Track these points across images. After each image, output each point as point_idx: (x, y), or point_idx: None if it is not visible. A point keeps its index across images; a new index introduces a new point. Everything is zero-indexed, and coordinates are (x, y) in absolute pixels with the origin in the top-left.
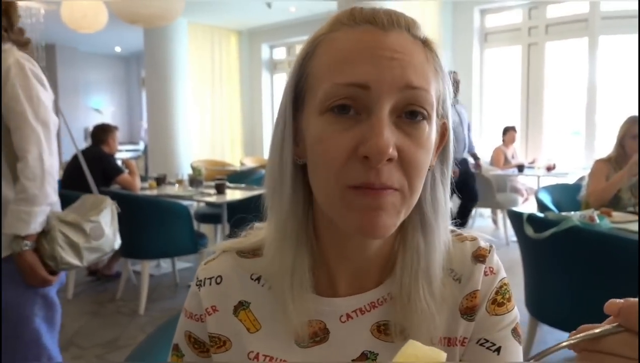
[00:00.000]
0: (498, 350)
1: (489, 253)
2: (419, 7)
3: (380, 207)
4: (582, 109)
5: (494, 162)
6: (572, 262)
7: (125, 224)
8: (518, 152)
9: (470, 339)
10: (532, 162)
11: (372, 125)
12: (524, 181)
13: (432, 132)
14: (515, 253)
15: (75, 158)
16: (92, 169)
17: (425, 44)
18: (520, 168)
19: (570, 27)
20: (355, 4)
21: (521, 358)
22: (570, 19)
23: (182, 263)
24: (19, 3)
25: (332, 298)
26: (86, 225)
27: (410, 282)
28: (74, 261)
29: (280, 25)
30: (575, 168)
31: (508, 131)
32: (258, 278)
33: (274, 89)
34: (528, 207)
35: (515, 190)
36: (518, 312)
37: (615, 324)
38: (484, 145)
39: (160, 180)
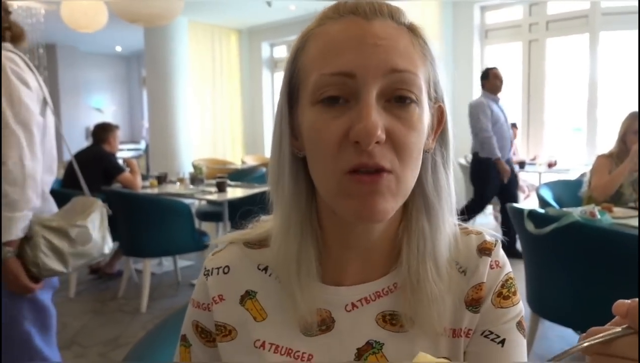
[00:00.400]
0: (502, 342)
1: (495, 247)
2: (419, 4)
3: (376, 192)
4: (583, 105)
5: None
6: (573, 258)
7: (126, 223)
8: (519, 148)
9: (475, 331)
10: (534, 159)
11: (359, 110)
12: (525, 177)
13: (423, 114)
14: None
15: (76, 157)
16: (93, 167)
17: (411, 29)
18: (522, 164)
19: (570, 24)
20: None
21: (525, 351)
22: (571, 15)
23: (183, 262)
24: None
25: (338, 287)
26: (72, 231)
27: (418, 265)
28: (58, 267)
29: (281, 23)
30: (576, 164)
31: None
32: (265, 269)
33: (275, 87)
34: (529, 203)
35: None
36: (523, 307)
37: (624, 326)
38: None
39: (162, 179)
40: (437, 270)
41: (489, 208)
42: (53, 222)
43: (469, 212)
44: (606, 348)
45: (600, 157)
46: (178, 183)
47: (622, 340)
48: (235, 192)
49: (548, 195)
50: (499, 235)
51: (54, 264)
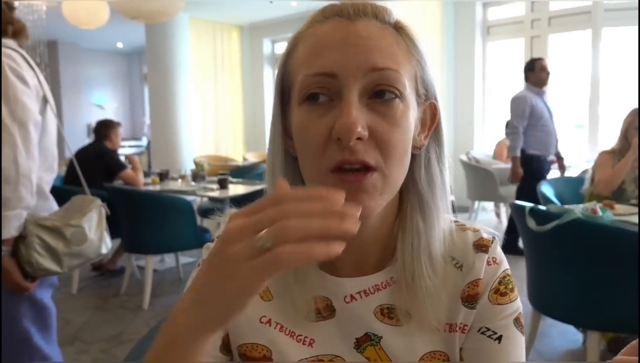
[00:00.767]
0: (499, 338)
1: (492, 244)
2: (421, 1)
3: (361, 190)
4: (585, 101)
5: (497, 155)
6: (575, 255)
7: (128, 220)
8: None
9: (472, 327)
10: None
11: (341, 108)
12: None
13: (408, 111)
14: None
15: (78, 154)
16: (95, 164)
17: (397, 28)
18: None
19: (573, 20)
20: None
21: (523, 348)
22: (573, 11)
23: (185, 258)
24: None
25: (337, 278)
26: (66, 230)
27: (413, 261)
28: (53, 267)
29: (282, 20)
30: (578, 161)
31: None
32: None
33: None
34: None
35: None
36: (521, 303)
37: None
38: (487, 138)
39: (163, 176)
40: (432, 266)
41: (490, 205)
42: (48, 221)
43: None
44: None
45: (603, 153)
46: (180, 180)
47: None
48: (236, 189)
49: (549, 192)
50: (496, 232)
51: (48, 264)
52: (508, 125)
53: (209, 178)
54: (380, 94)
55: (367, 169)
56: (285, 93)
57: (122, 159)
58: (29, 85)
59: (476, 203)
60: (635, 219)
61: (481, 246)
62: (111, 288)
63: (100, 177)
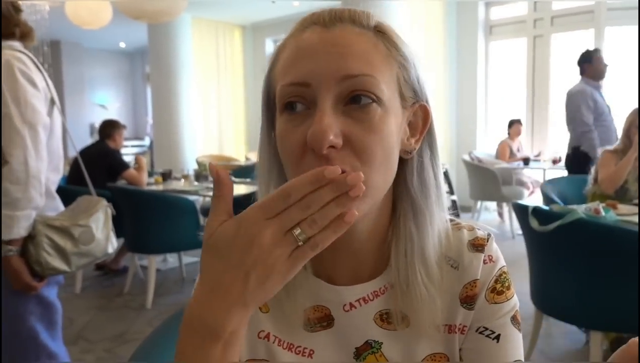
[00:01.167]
0: (497, 337)
1: (487, 242)
2: (423, 1)
3: None
4: None
5: (499, 155)
6: (578, 255)
7: (131, 219)
8: (524, 145)
9: (470, 327)
10: (538, 155)
11: (315, 115)
12: (529, 174)
13: (387, 116)
14: (520, 246)
15: (81, 154)
16: (98, 164)
17: (377, 31)
18: (526, 161)
19: (576, 19)
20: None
21: (521, 346)
22: (576, 10)
23: (188, 258)
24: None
25: (335, 286)
26: (75, 230)
27: (407, 268)
28: (61, 266)
29: (284, 19)
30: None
31: (513, 124)
32: None
33: None
34: (534, 200)
35: (521, 183)
36: (518, 300)
37: None
38: (490, 138)
39: (166, 176)
40: (427, 271)
41: (493, 205)
42: (56, 221)
43: None
44: None
45: (606, 152)
46: (182, 180)
47: None
48: (239, 189)
49: (552, 192)
50: (491, 228)
51: (57, 263)
52: (573, 122)
53: (211, 178)
54: (357, 100)
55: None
56: (271, 102)
57: (128, 159)
58: (38, 88)
59: (479, 203)
60: (637, 219)
61: (477, 245)
62: (114, 288)
63: (103, 176)
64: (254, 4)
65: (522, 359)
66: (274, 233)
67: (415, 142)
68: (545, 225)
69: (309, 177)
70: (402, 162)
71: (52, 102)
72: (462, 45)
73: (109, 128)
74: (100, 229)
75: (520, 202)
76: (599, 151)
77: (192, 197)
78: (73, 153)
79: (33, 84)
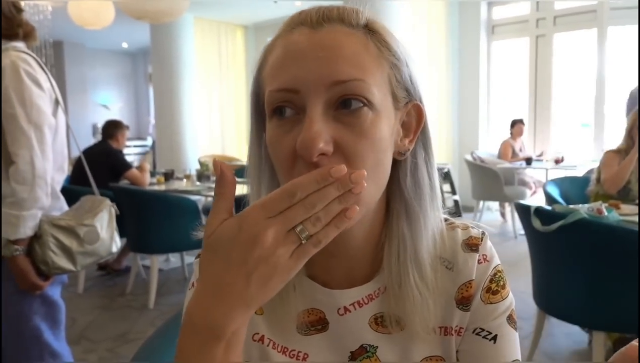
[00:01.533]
0: (494, 338)
1: (482, 241)
2: (426, 0)
3: None
4: (590, 100)
5: (501, 155)
6: (580, 255)
7: (134, 219)
8: (526, 144)
9: (467, 329)
10: (540, 155)
11: (304, 122)
12: (532, 174)
13: (379, 119)
14: (523, 246)
15: (84, 154)
16: (101, 163)
17: (368, 29)
18: (528, 161)
19: (578, 19)
20: None
21: (517, 345)
22: (579, 10)
23: (190, 258)
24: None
25: (330, 290)
26: (80, 230)
27: (399, 269)
28: (67, 266)
29: (286, 19)
30: (583, 160)
31: (516, 124)
32: None
33: None
34: (536, 200)
35: (523, 183)
36: (515, 299)
37: None
38: (492, 138)
39: (168, 176)
40: (420, 273)
41: (495, 205)
42: (62, 221)
43: None
44: None
45: (609, 152)
46: (185, 180)
47: None
48: (241, 189)
49: (555, 192)
50: (487, 227)
51: (63, 262)
52: None
53: (213, 178)
54: (347, 104)
55: None
56: (260, 103)
57: (128, 159)
58: (43, 88)
59: (481, 203)
60: None
61: (471, 245)
62: (117, 288)
63: (105, 176)
64: (255, 4)
65: (520, 359)
66: (277, 232)
67: (409, 142)
68: (547, 225)
69: (316, 176)
70: (396, 163)
71: (57, 102)
72: (465, 44)
73: (111, 128)
74: (105, 228)
75: (522, 202)
76: None
77: (194, 197)
78: (76, 153)
79: (38, 85)
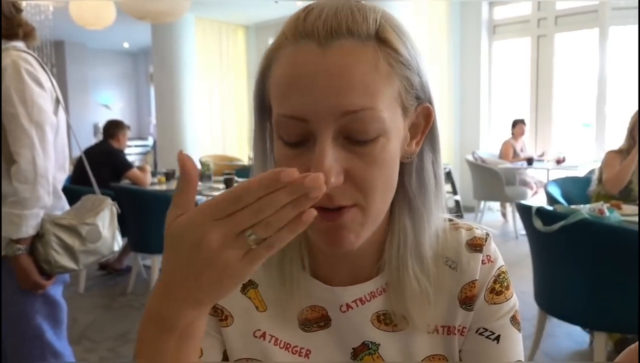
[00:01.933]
0: (497, 338)
1: (486, 242)
2: (427, 0)
3: (341, 227)
4: (592, 101)
5: (503, 155)
6: (582, 255)
7: (135, 219)
8: (527, 145)
9: (470, 328)
10: (542, 155)
11: (315, 154)
12: (533, 174)
13: (389, 141)
14: (524, 246)
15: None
16: (102, 163)
17: (379, 39)
18: (530, 161)
19: (580, 19)
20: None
21: (521, 346)
22: (580, 10)
23: None
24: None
25: (332, 287)
26: (82, 229)
27: (399, 263)
28: (70, 264)
29: (290, 19)
30: (585, 161)
31: (517, 124)
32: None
33: None
34: (537, 200)
35: (525, 184)
36: (519, 300)
37: None
38: (493, 138)
39: (169, 175)
40: (420, 266)
41: (496, 205)
42: (64, 220)
43: None
44: None
45: (610, 153)
46: None
47: None
48: None
49: (556, 192)
50: (492, 230)
51: (66, 261)
52: None
53: (214, 178)
54: (357, 136)
55: (346, 206)
56: (266, 104)
57: (129, 158)
58: (44, 88)
59: (482, 203)
60: None
61: (475, 245)
62: (118, 287)
63: (107, 176)
64: (256, 4)
65: (522, 359)
66: (224, 235)
67: (416, 144)
68: (549, 225)
69: (264, 181)
70: (401, 165)
71: (57, 101)
72: (466, 44)
73: (112, 128)
74: (107, 227)
75: (523, 202)
76: None
77: (195, 197)
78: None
79: (39, 84)
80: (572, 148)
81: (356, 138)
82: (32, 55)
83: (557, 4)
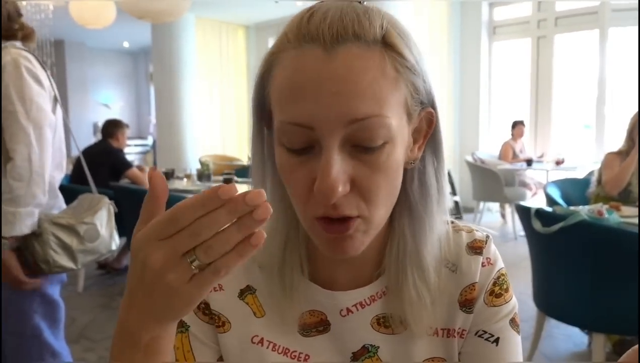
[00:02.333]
0: (496, 341)
1: (486, 244)
2: (427, 1)
3: (346, 237)
4: (592, 102)
5: (502, 156)
6: (581, 257)
7: (134, 218)
8: (527, 146)
9: (469, 331)
10: (541, 156)
11: (321, 164)
12: (532, 175)
13: (395, 148)
14: (523, 247)
15: (84, 153)
16: (101, 162)
17: (384, 42)
18: (529, 162)
19: (580, 20)
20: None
21: (520, 348)
22: (580, 11)
23: None
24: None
25: (332, 292)
26: (80, 228)
27: (398, 271)
28: (68, 264)
29: (287, 19)
30: (584, 162)
31: (517, 125)
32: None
33: None
34: (536, 201)
35: (524, 185)
36: (519, 302)
37: None
38: (493, 139)
39: (169, 175)
40: (420, 274)
41: (495, 206)
42: (62, 219)
43: None
44: None
45: (610, 154)
46: (185, 180)
47: None
48: (242, 189)
49: (555, 193)
50: (490, 230)
51: (64, 261)
52: None
53: (214, 177)
54: (364, 144)
55: (348, 218)
56: (266, 107)
57: (128, 158)
58: (44, 86)
59: (481, 204)
60: None
61: (475, 247)
62: (116, 287)
63: (106, 176)
64: (257, 4)
65: (521, 362)
66: (166, 256)
67: (418, 149)
68: (548, 226)
69: (198, 200)
70: (404, 171)
71: (55, 100)
72: (466, 45)
73: (111, 127)
74: (105, 226)
75: (522, 203)
76: None
77: None
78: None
79: (39, 82)
80: (571, 149)
81: (362, 145)
82: (32, 54)
83: (557, 5)
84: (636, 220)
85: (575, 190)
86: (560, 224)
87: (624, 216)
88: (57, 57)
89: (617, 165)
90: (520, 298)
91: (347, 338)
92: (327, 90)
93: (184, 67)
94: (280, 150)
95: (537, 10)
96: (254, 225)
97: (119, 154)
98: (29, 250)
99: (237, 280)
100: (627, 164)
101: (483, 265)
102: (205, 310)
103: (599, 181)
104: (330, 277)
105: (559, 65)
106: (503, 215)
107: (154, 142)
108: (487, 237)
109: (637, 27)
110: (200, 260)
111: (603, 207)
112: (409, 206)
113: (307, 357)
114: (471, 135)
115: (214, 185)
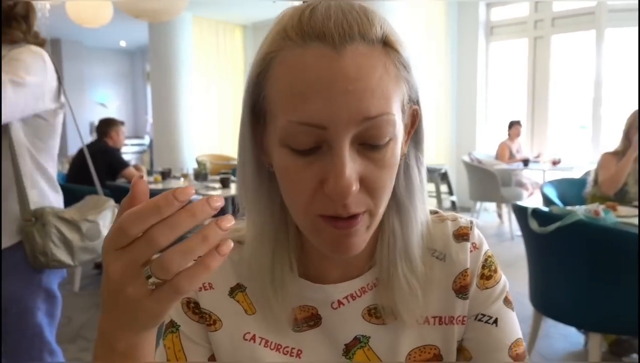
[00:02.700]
0: (495, 322)
1: (471, 230)
2: (425, 1)
3: (352, 234)
4: (588, 102)
5: (499, 156)
6: (577, 257)
7: None
8: (523, 146)
9: (469, 316)
10: (538, 156)
11: (333, 163)
12: (529, 175)
13: (397, 143)
14: (520, 247)
15: (81, 152)
16: (96, 162)
17: (385, 42)
18: (526, 162)
19: (576, 20)
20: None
21: (517, 324)
22: (577, 12)
23: None
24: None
25: (322, 285)
26: (83, 225)
27: (389, 262)
28: (66, 259)
29: (291, 17)
30: (581, 162)
31: (513, 125)
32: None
33: None
34: (533, 201)
35: (521, 185)
36: (506, 280)
37: None
38: (490, 139)
39: (166, 174)
40: (409, 265)
41: (492, 206)
42: (66, 214)
43: None
44: None
45: (606, 154)
46: (182, 179)
47: None
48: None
49: (552, 193)
50: (473, 218)
51: (62, 255)
52: None
53: (211, 177)
54: (374, 141)
55: (357, 213)
56: (259, 114)
57: (125, 157)
58: (47, 81)
59: (478, 204)
60: (637, 221)
61: (462, 235)
62: None
63: (102, 175)
64: (254, 3)
65: (521, 336)
66: (124, 267)
67: (404, 144)
68: (544, 226)
69: (151, 206)
70: None
71: (61, 104)
72: (463, 45)
73: (105, 126)
74: (107, 227)
75: (519, 203)
76: None
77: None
78: (72, 151)
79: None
80: (568, 149)
81: (371, 143)
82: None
83: (554, 5)
84: (632, 220)
85: (571, 190)
86: (557, 224)
87: (621, 216)
88: (53, 55)
89: (613, 166)
90: (517, 298)
91: (338, 330)
92: (338, 89)
93: (181, 66)
94: (283, 151)
95: (534, 10)
96: (218, 235)
97: (114, 153)
98: (28, 241)
99: (227, 278)
100: (623, 164)
101: (471, 251)
102: (195, 309)
103: (596, 181)
104: (321, 272)
105: (555, 66)
106: (500, 215)
107: (151, 141)
108: (471, 222)
109: (633, 28)
110: (155, 276)
111: (599, 207)
112: (396, 200)
113: (299, 352)
114: (468, 135)
115: (211, 184)
